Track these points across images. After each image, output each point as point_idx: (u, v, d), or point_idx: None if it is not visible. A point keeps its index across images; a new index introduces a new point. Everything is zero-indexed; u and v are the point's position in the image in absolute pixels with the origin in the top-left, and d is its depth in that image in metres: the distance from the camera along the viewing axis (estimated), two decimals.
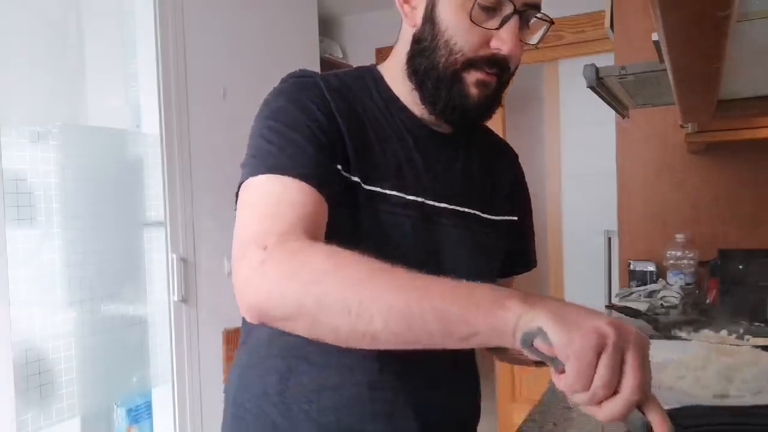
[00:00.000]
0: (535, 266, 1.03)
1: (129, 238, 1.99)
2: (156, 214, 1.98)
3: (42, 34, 1.83)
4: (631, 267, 2.06)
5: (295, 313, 0.60)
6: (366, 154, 0.79)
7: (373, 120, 0.82)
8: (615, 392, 0.49)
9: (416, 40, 0.81)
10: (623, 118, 1.84)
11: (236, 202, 0.74)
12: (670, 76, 0.78)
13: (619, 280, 2.18)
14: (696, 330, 1.28)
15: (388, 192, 0.79)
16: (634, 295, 1.84)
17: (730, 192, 2.01)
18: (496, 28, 0.76)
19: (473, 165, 0.90)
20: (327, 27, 3.30)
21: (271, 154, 0.72)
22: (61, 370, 1.77)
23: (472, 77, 0.78)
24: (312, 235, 0.67)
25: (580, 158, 3.56)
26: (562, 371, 0.50)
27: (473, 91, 0.79)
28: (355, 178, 0.77)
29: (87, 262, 1.84)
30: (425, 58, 0.79)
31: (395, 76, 0.85)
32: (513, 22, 0.76)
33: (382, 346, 0.58)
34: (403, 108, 0.85)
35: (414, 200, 0.81)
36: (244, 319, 0.88)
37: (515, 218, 0.95)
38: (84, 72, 1.95)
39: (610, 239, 3.14)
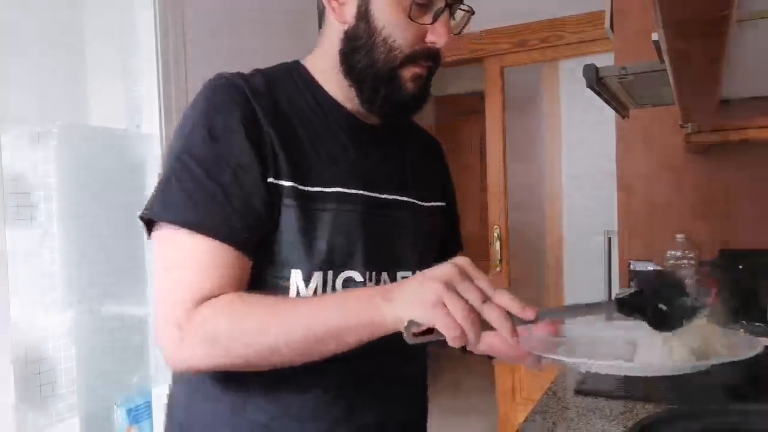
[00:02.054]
0: (462, 250, 1.06)
1: (129, 238, 1.99)
2: None
3: (42, 33, 1.82)
4: (631, 267, 2.06)
5: (222, 368, 0.73)
6: (300, 156, 0.79)
7: (304, 118, 0.82)
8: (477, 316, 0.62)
9: (350, 38, 0.81)
10: (623, 118, 1.84)
11: (144, 226, 0.77)
12: (670, 76, 0.78)
13: (619, 280, 2.18)
14: None
15: (329, 190, 0.80)
16: None
17: (730, 192, 2.01)
18: (431, 23, 0.78)
19: (406, 155, 0.93)
20: None
21: (183, 201, 0.73)
22: (61, 370, 1.77)
23: (408, 72, 0.80)
24: (218, 300, 0.72)
25: (580, 158, 3.56)
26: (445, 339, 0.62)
27: (409, 85, 0.81)
28: (291, 183, 0.77)
29: (87, 262, 1.84)
30: (362, 56, 0.80)
31: (324, 71, 0.85)
32: (446, 16, 0.79)
33: (301, 361, 0.71)
34: (334, 103, 0.85)
35: (356, 194, 0.82)
36: None
37: (444, 204, 0.98)
38: (84, 72, 1.95)
39: (610, 239, 3.14)
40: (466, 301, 0.61)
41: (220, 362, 0.71)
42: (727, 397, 1.02)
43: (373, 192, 0.84)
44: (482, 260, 3.99)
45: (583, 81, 1.23)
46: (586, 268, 3.46)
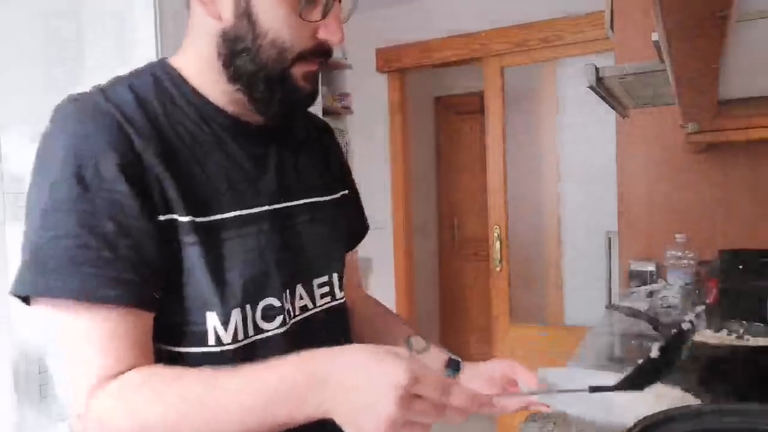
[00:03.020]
0: (368, 229, 1.02)
1: None
2: None
3: (42, 33, 1.83)
4: (631, 267, 2.06)
5: None
6: (189, 182, 0.69)
7: (187, 136, 0.71)
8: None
9: (231, 39, 0.71)
10: (623, 118, 1.84)
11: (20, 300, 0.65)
12: (670, 76, 0.78)
13: (619, 280, 2.18)
14: (696, 330, 1.28)
15: (229, 215, 0.71)
16: (634, 295, 1.84)
17: (730, 192, 2.01)
18: (320, 19, 0.71)
19: (300, 151, 0.85)
20: None
21: (62, 268, 0.62)
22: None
23: (299, 71, 0.73)
24: (129, 366, 0.64)
25: (580, 158, 3.56)
26: None
27: (302, 84, 0.74)
28: (188, 218, 0.67)
29: None
30: (249, 59, 0.71)
31: (200, 72, 0.74)
32: (336, 10, 0.72)
33: None
34: (216, 109, 0.75)
35: (258, 212, 0.74)
36: None
37: (347, 191, 0.93)
38: (84, 72, 1.95)
39: (610, 239, 3.14)
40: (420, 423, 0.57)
41: None
42: (727, 395, 1.02)
43: (275, 204, 0.77)
44: (482, 260, 4.00)
45: (583, 81, 1.23)
46: (586, 268, 3.45)
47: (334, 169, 0.93)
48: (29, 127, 1.74)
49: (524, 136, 3.70)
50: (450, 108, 4.57)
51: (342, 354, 0.60)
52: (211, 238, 0.69)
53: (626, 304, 1.70)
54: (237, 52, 0.71)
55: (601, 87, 1.28)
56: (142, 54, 2.02)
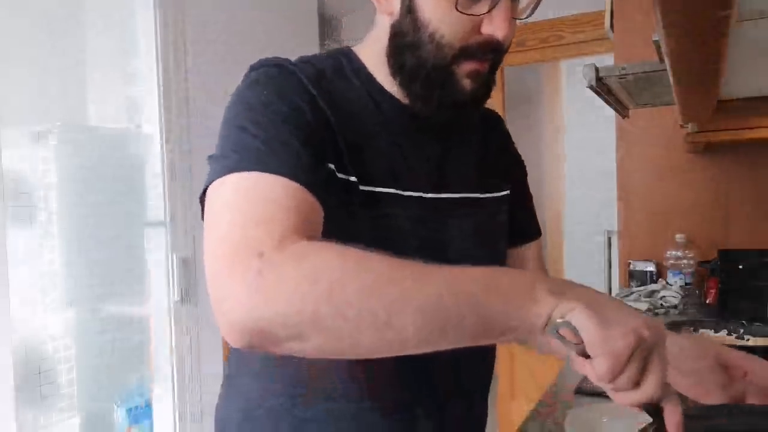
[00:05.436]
0: (540, 235, 0.97)
1: (129, 238, 1.99)
2: (156, 214, 1.98)
3: (42, 33, 1.82)
4: (631, 267, 2.06)
5: (308, 330, 0.51)
6: (357, 150, 0.71)
7: (356, 111, 0.73)
8: (637, 384, 0.52)
9: (396, 33, 0.72)
10: (623, 118, 1.84)
11: (202, 202, 0.64)
12: (670, 76, 0.78)
13: (619, 280, 2.18)
14: (696, 330, 1.28)
15: (384, 190, 0.72)
16: (634, 295, 1.84)
17: (730, 192, 2.01)
18: (487, 12, 0.68)
19: (464, 144, 0.84)
20: (327, 27, 3.30)
21: (256, 150, 0.62)
22: (61, 370, 1.77)
23: (463, 69, 0.71)
24: (313, 240, 0.59)
25: (580, 158, 3.56)
26: (587, 357, 0.52)
27: (466, 82, 0.72)
28: (351, 178, 0.69)
29: (87, 262, 1.84)
30: (410, 54, 0.71)
31: (376, 63, 0.77)
32: (505, 4, 0.68)
33: (406, 352, 0.54)
34: (388, 95, 0.76)
35: (411, 196, 0.74)
36: (232, 350, 0.82)
37: (508, 191, 0.89)
38: (84, 72, 1.95)
39: (610, 239, 3.14)
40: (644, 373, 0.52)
41: (312, 311, 0.50)
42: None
43: (428, 193, 0.76)
44: None
45: (584, 81, 1.23)
46: (586, 268, 3.45)
47: (500, 165, 0.89)
48: (29, 127, 1.74)
49: (524, 136, 3.70)
50: None
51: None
52: (368, 208, 0.70)
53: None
54: (402, 47, 0.72)
55: (601, 87, 1.28)
56: (142, 54, 2.02)
